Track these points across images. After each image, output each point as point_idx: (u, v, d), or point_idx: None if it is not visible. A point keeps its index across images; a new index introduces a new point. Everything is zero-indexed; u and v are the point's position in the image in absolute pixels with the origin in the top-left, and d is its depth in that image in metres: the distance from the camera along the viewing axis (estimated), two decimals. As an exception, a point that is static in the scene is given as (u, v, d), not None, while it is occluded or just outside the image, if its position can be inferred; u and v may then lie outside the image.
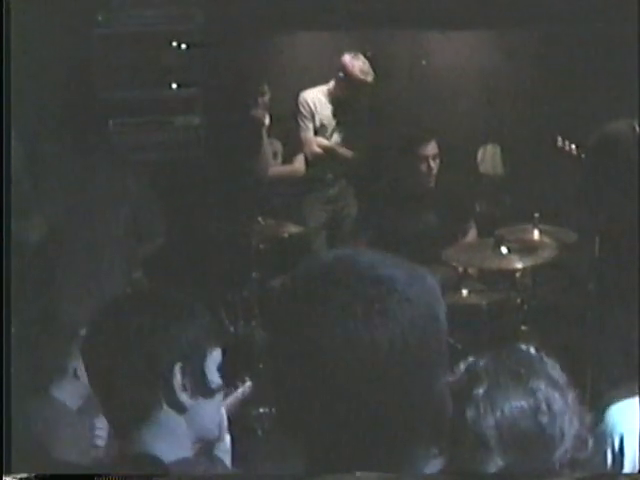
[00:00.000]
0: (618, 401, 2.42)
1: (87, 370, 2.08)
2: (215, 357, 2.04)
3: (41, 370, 3.38)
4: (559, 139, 5.32)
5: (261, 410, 4.90)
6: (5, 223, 3.20)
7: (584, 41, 5.98)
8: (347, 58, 5.98)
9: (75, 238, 4.75)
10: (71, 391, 3.34)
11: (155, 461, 1.93)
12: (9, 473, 2.62)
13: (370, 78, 5.97)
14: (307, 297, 1.26)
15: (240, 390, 2.84)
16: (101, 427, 3.17)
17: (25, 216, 4.67)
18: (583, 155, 5.16)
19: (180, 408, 1.97)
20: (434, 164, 5.37)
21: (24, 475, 2.21)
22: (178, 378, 1.96)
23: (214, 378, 2.03)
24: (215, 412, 2.09)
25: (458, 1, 6.22)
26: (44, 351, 3.41)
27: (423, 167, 5.34)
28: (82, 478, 2.86)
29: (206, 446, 2.17)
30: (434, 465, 1.76)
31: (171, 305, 2.05)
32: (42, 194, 4.77)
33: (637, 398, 2.37)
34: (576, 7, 5.74)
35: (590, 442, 1.75)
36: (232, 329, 5.34)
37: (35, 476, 2.26)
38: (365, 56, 6.10)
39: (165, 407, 1.97)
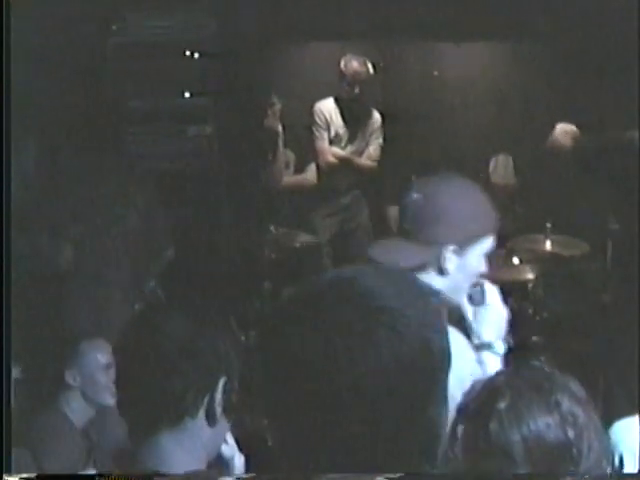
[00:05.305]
0: (624, 417, 2.38)
1: (118, 367, 2.09)
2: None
3: (48, 381, 3.39)
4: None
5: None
6: (6, 231, 3.21)
7: (596, 53, 5.99)
8: (342, 61, 6.00)
9: (85, 248, 4.77)
10: (77, 408, 3.37)
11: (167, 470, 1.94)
12: (9, 473, 2.63)
13: (364, 74, 5.97)
14: (298, 320, 1.25)
15: None
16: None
17: (34, 224, 4.70)
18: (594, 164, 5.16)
19: (213, 420, 1.98)
20: None
21: (24, 475, 2.22)
22: (220, 390, 1.98)
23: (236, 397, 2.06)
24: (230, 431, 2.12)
25: (470, 13, 6.23)
26: (50, 362, 3.42)
27: None
28: (82, 478, 2.87)
29: (219, 462, 2.18)
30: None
31: (213, 318, 2.08)
32: (57, 204, 4.79)
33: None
34: (588, 20, 5.75)
35: (612, 456, 1.73)
36: (243, 339, 5.35)
37: (37, 476, 2.26)
38: (377, 66, 6.12)
39: (200, 416, 1.97)
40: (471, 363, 2.38)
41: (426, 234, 2.38)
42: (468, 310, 2.52)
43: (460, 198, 2.43)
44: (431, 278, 2.40)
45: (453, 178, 2.55)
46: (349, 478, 1.24)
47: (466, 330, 2.52)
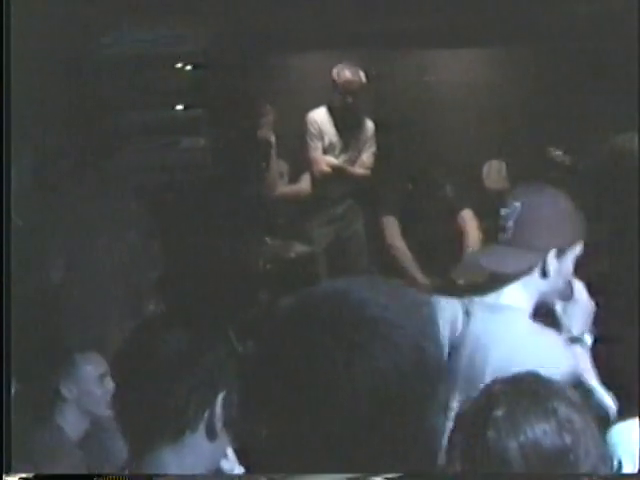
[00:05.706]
0: (621, 421, 2.38)
1: (117, 383, 2.08)
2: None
3: (43, 395, 3.39)
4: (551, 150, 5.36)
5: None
6: (6, 242, 3.20)
7: (588, 57, 6.00)
8: (334, 71, 6.01)
9: (78, 261, 4.76)
10: (72, 420, 3.36)
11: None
12: (9, 473, 2.62)
13: (357, 83, 5.97)
14: (293, 332, 1.26)
15: None
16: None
17: (27, 238, 4.69)
18: (583, 167, 5.18)
19: (213, 435, 1.98)
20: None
21: (23, 475, 2.21)
22: (220, 405, 1.97)
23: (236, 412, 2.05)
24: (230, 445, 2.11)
25: (463, 20, 6.25)
26: (45, 375, 3.42)
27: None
28: (82, 478, 2.87)
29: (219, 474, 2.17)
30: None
31: (211, 330, 2.07)
32: (49, 219, 4.78)
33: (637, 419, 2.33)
34: (579, 25, 5.77)
35: (613, 461, 1.73)
36: (241, 349, 5.33)
37: (35, 476, 2.25)
38: (370, 74, 6.13)
39: (200, 431, 1.97)
40: (569, 362, 2.49)
41: (529, 240, 2.56)
42: (558, 306, 2.70)
43: (556, 206, 2.63)
44: (535, 281, 2.60)
45: (546, 187, 2.73)
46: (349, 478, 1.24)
47: (556, 327, 2.68)
